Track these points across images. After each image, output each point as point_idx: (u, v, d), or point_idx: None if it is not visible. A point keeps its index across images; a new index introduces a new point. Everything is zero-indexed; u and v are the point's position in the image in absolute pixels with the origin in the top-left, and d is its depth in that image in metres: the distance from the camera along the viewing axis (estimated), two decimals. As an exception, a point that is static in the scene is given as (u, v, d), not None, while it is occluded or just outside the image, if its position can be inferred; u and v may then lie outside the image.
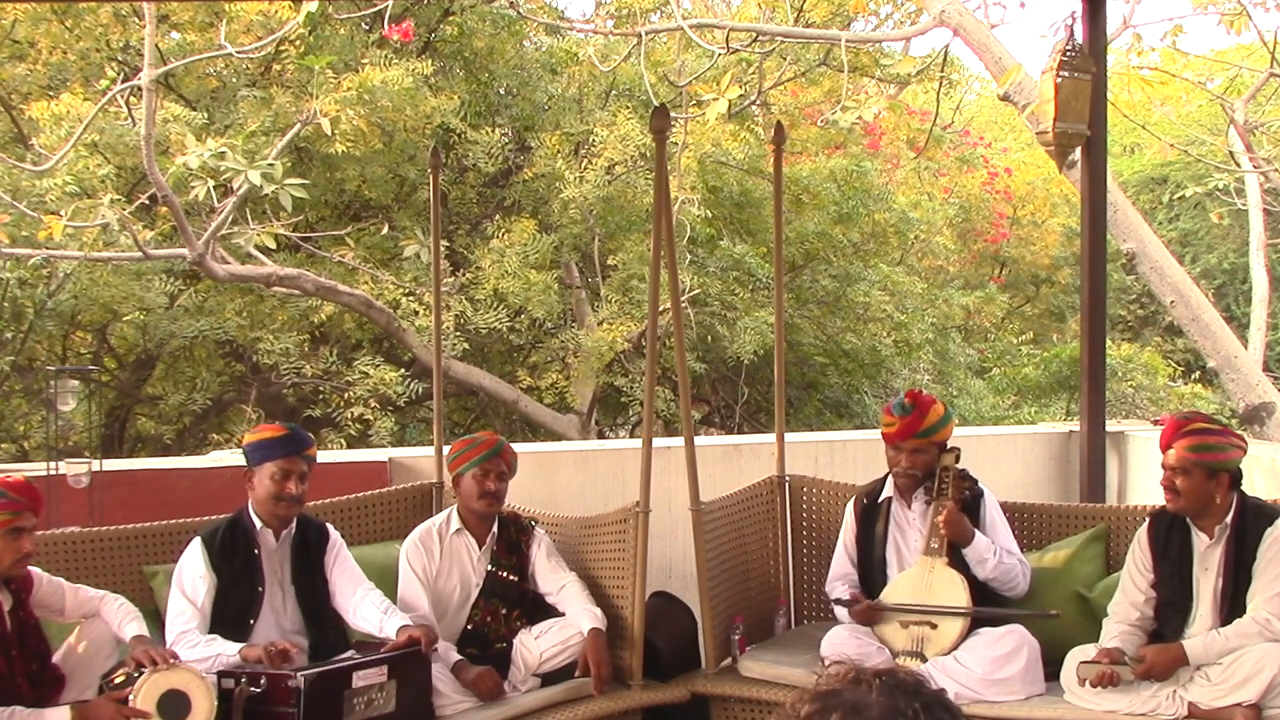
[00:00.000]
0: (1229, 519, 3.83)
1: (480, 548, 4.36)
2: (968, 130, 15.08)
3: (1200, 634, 3.78)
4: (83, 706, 3.40)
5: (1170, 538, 3.93)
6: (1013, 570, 4.20)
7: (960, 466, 4.30)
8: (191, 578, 3.93)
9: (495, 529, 4.38)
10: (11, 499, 3.48)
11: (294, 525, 4.10)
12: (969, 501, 4.27)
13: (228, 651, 3.75)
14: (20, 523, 3.49)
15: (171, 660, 3.50)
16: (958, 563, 4.19)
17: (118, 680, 3.49)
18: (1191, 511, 3.87)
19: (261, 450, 4.01)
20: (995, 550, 4.18)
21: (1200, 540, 3.88)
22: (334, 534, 4.22)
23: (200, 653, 3.76)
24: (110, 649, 3.75)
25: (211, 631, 3.86)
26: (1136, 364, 10.76)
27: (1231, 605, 3.78)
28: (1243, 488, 3.90)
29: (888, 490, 4.44)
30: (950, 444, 4.37)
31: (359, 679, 3.67)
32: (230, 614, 3.92)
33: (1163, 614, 3.92)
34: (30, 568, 3.63)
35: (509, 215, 9.49)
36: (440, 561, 4.33)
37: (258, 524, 4.03)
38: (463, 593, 4.33)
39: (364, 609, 4.07)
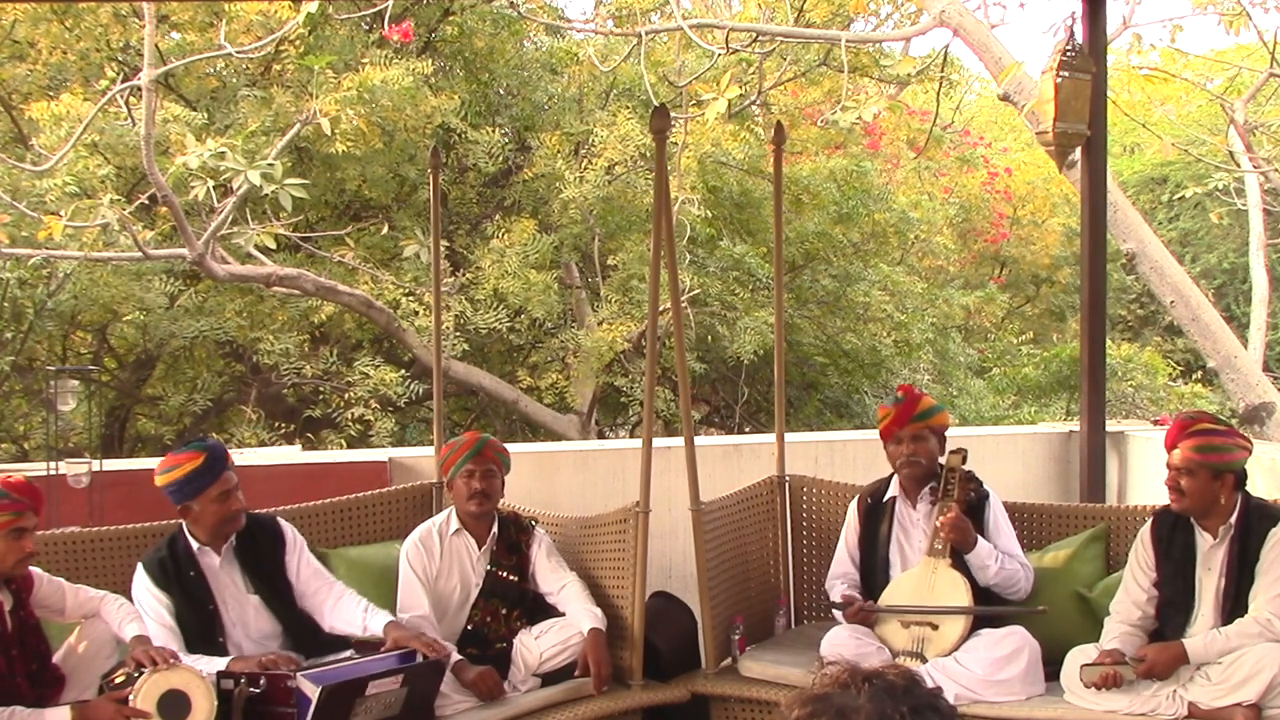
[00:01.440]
0: (1233, 519, 3.83)
1: (480, 548, 4.35)
2: (968, 130, 15.09)
3: (1201, 633, 3.78)
4: (83, 706, 3.40)
5: (1174, 537, 3.93)
6: (1015, 575, 4.19)
7: (966, 468, 4.30)
8: (150, 603, 3.88)
9: (495, 529, 4.37)
10: (14, 499, 3.49)
11: (234, 535, 4.02)
12: (974, 503, 4.27)
13: (214, 668, 3.70)
14: (23, 523, 3.50)
15: (171, 660, 3.50)
16: (961, 564, 4.19)
17: (118, 680, 3.49)
18: (1196, 512, 3.87)
19: (191, 485, 3.88)
20: (997, 556, 4.18)
21: (1204, 540, 3.88)
22: (289, 532, 4.15)
23: None
24: (110, 649, 3.74)
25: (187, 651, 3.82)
26: (1136, 364, 10.76)
27: (1234, 605, 3.78)
28: (1246, 488, 3.90)
29: (893, 489, 4.45)
30: (956, 445, 4.38)
31: (374, 688, 3.65)
32: (195, 636, 3.86)
33: (1164, 613, 3.92)
34: (31, 568, 3.64)
35: (509, 215, 9.49)
36: (440, 562, 4.32)
37: (194, 545, 3.96)
38: (462, 593, 4.33)
39: (343, 610, 4.04)
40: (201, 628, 3.89)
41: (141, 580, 3.92)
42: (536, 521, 4.51)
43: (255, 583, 4.02)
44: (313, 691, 3.52)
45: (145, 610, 3.87)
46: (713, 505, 4.51)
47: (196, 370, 9.50)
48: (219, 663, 3.74)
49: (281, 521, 4.18)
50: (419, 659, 3.84)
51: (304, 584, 4.09)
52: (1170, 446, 3.87)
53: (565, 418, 9.79)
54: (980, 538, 4.19)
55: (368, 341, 9.70)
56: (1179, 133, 12.50)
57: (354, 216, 9.61)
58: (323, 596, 4.07)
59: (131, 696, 3.37)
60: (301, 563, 4.12)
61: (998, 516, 4.32)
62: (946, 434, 4.46)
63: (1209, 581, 3.85)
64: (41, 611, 3.68)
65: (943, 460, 4.36)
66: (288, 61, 8.49)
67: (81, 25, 8.72)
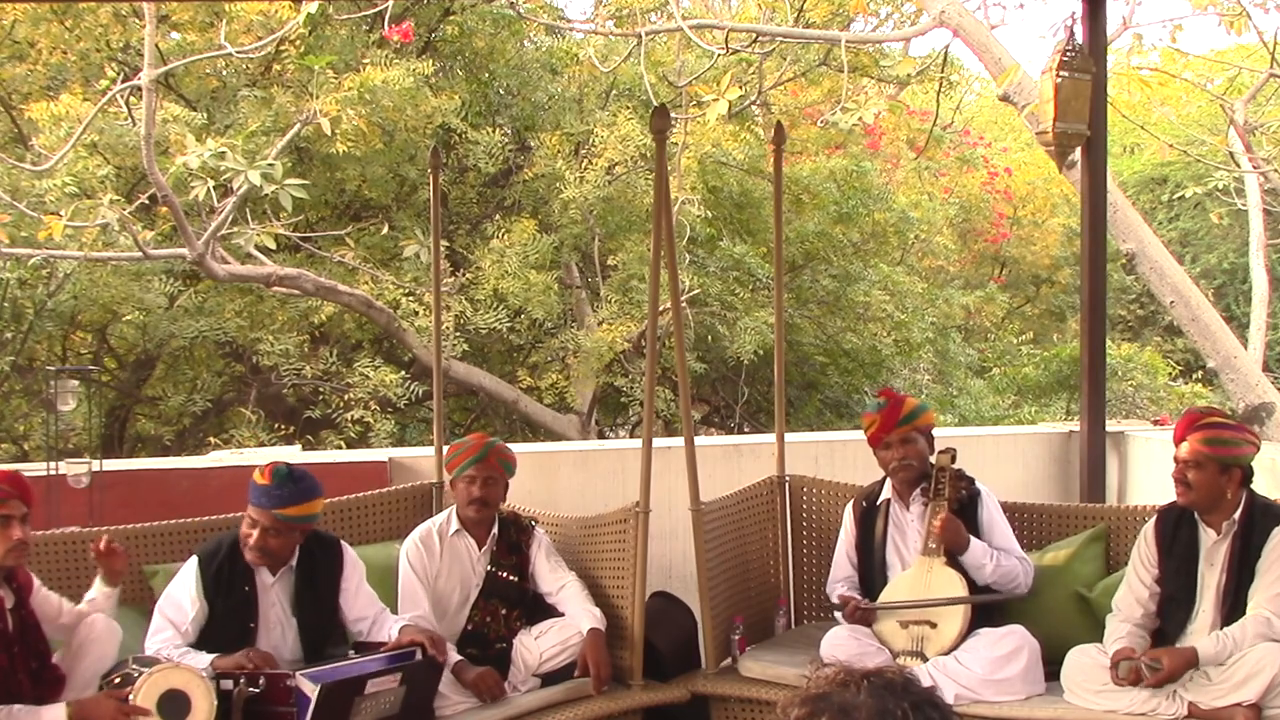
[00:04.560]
0: (1237, 516, 3.84)
1: (480, 548, 4.35)
2: (968, 130, 15.09)
3: (1202, 630, 3.78)
4: (81, 704, 3.40)
5: (1178, 533, 3.94)
6: (1013, 571, 4.19)
7: (956, 467, 4.30)
8: (179, 601, 3.86)
9: (495, 529, 4.37)
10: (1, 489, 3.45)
11: (295, 558, 3.98)
12: (966, 501, 4.27)
13: (200, 663, 3.68)
14: (8, 510, 3.45)
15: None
16: (956, 562, 4.19)
17: (117, 680, 3.49)
18: (1202, 505, 3.87)
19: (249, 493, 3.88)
20: (992, 555, 4.18)
21: (1208, 536, 3.89)
22: (349, 556, 4.10)
23: None
24: (111, 649, 3.74)
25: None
26: (1136, 364, 10.77)
27: (1234, 602, 3.78)
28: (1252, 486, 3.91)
29: (886, 492, 4.45)
30: (946, 445, 4.38)
31: (373, 686, 3.64)
32: (223, 645, 3.82)
33: (1165, 609, 3.92)
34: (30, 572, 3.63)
35: (509, 215, 9.49)
36: (440, 562, 4.32)
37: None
38: (462, 593, 4.33)
39: (377, 631, 4.02)
40: (233, 640, 3.83)
41: (189, 577, 3.88)
42: (536, 522, 4.52)
43: (300, 606, 3.97)
44: (312, 690, 3.52)
45: (171, 601, 3.86)
46: (713, 505, 4.51)
47: (196, 370, 9.50)
48: (203, 658, 3.71)
49: (345, 546, 4.13)
50: (417, 656, 3.84)
51: (355, 612, 4.05)
52: (1179, 439, 3.87)
53: (565, 418, 9.79)
54: (974, 538, 4.19)
55: (368, 342, 9.70)
56: (1179, 133, 12.51)
57: (354, 216, 9.61)
58: (367, 624, 4.05)
59: (131, 696, 3.37)
60: (360, 591, 4.07)
61: (991, 513, 4.31)
62: (935, 433, 4.47)
63: (1211, 577, 3.86)
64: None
65: (933, 460, 4.36)
66: (288, 61, 8.49)
67: (81, 25, 8.72)
